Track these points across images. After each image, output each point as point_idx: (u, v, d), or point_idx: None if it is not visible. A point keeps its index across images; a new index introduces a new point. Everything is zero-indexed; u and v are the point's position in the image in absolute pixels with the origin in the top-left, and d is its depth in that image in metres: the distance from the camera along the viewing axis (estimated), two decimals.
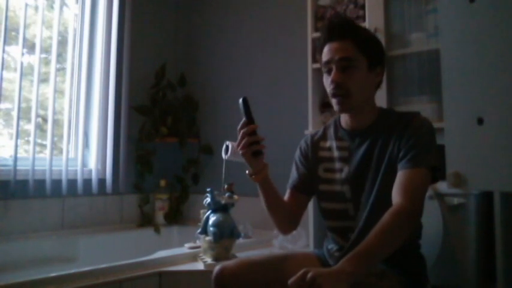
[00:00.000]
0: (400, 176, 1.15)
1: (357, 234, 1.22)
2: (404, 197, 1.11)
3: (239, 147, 1.23)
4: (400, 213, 1.08)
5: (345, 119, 1.32)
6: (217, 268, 1.26)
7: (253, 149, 1.23)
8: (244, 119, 1.24)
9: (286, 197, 1.39)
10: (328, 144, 1.36)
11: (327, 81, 1.25)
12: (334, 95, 1.24)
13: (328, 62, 1.24)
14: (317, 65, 2.05)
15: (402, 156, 1.17)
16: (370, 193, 1.23)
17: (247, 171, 1.29)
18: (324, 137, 1.39)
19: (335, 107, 1.26)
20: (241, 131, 1.22)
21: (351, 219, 1.26)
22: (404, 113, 1.28)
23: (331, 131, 1.37)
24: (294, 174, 1.42)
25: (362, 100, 1.25)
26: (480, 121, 0.59)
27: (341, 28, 1.24)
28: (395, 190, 1.14)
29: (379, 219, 1.18)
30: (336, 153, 1.32)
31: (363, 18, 1.93)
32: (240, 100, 1.26)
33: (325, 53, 1.25)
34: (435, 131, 1.21)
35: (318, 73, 2.09)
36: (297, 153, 1.43)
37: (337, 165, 1.31)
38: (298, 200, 1.39)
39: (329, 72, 1.24)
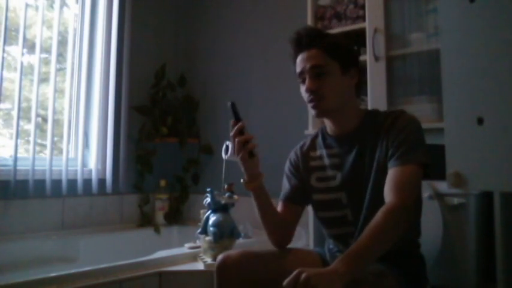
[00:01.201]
0: (390, 174, 1.15)
1: (356, 239, 1.22)
2: (395, 195, 1.10)
3: (235, 153, 1.25)
4: (391, 211, 1.07)
5: (329, 125, 1.33)
6: (220, 257, 1.26)
7: (248, 148, 1.24)
8: (232, 120, 1.26)
9: (278, 209, 1.38)
10: (318, 153, 1.36)
11: (303, 91, 1.27)
12: (309, 101, 1.26)
13: (301, 73, 1.26)
14: None
15: (391, 154, 1.17)
16: (368, 197, 1.23)
17: (242, 180, 1.30)
18: (312, 146, 1.39)
19: (312, 112, 1.28)
20: (231, 135, 1.25)
21: (351, 225, 1.26)
22: (390, 112, 1.29)
23: (319, 140, 1.37)
24: (286, 186, 1.41)
25: (338, 103, 1.26)
26: (480, 121, 0.59)
27: (307, 37, 1.26)
28: (386, 188, 1.14)
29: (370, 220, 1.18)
30: (327, 161, 1.32)
31: (363, 18, 1.93)
32: (228, 103, 1.27)
33: (298, 64, 1.27)
34: (422, 128, 1.21)
35: None
36: (287, 165, 1.43)
37: (330, 172, 1.31)
38: (292, 211, 1.38)
39: (304, 81, 1.26)
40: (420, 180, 1.17)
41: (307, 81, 1.24)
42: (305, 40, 1.25)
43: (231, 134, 1.25)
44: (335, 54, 1.23)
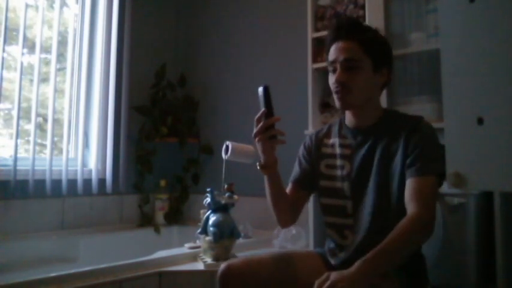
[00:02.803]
0: (411, 184, 1.16)
1: (362, 234, 1.24)
2: (419, 205, 1.12)
3: (256, 138, 1.23)
4: (417, 221, 1.10)
5: (349, 117, 1.34)
6: (222, 266, 1.26)
7: (272, 143, 1.23)
8: (263, 109, 1.22)
9: (287, 190, 1.41)
10: (331, 141, 1.38)
11: (332, 80, 1.27)
12: (336, 92, 1.26)
13: (333, 62, 1.26)
14: (317, 65, 2.05)
15: (410, 164, 1.18)
16: (371, 193, 1.24)
17: (257, 163, 1.30)
18: (328, 134, 1.41)
19: (336, 103, 1.28)
20: (260, 123, 1.21)
21: (349, 217, 1.28)
22: (409, 116, 1.29)
23: (335, 129, 1.39)
24: (296, 169, 1.44)
25: (363, 99, 1.26)
26: (480, 121, 0.59)
27: (348, 28, 1.25)
28: (408, 198, 1.15)
29: (380, 219, 1.19)
30: (338, 150, 1.34)
31: (363, 18, 1.93)
32: (260, 88, 1.23)
33: (332, 53, 1.26)
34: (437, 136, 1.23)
35: (318, 73, 2.09)
36: (301, 148, 1.45)
37: (339, 162, 1.33)
38: (299, 194, 1.41)
39: (334, 71, 1.26)
40: (438, 191, 1.19)
41: (337, 72, 1.24)
42: (345, 30, 1.25)
43: (257, 117, 1.23)
44: (371, 51, 1.23)
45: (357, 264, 1.02)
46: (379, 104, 1.33)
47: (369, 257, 1.03)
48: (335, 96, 1.27)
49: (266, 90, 1.23)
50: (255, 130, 1.23)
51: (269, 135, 1.22)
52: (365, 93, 1.25)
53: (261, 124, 1.22)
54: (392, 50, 1.33)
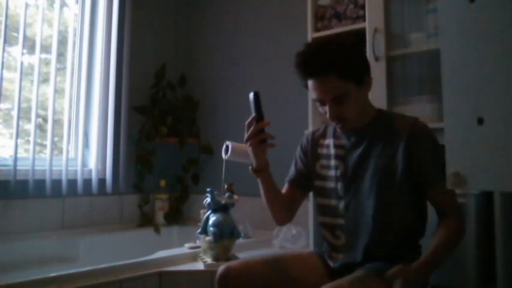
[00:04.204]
0: (435, 195, 1.21)
1: (366, 235, 1.24)
2: (453, 216, 1.20)
3: (247, 143, 1.26)
4: (455, 231, 1.19)
5: None
6: (221, 268, 1.27)
7: (262, 147, 1.26)
8: (254, 114, 1.26)
9: (283, 190, 1.43)
10: (327, 141, 1.39)
11: (323, 110, 1.26)
12: (334, 123, 1.28)
13: (319, 99, 1.24)
14: None
15: (424, 173, 1.20)
16: (370, 194, 1.23)
17: (250, 167, 1.32)
18: (324, 134, 1.41)
19: (337, 128, 1.30)
20: (251, 128, 1.24)
21: (341, 217, 1.29)
22: (403, 116, 1.29)
23: (331, 129, 1.40)
24: (292, 169, 1.45)
25: (359, 115, 1.27)
26: (480, 121, 0.59)
27: (317, 66, 1.20)
28: (439, 208, 1.22)
29: (382, 219, 1.20)
30: (332, 151, 1.35)
31: (363, 18, 1.93)
32: (251, 94, 1.26)
33: (312, 90, 1.24)
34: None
35: None
36: (298, 149, 1.46)
37: (333, 162, 1.33)
38: (295, 194, 1.43)
39: (322, 103, 1.25)
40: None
41: (328, 108, 1.22)
42: (316, 69, 1.20)
43: (247, 122, 1.26)
44: (349, 75, 1.19)
45: (418, 266, 1.10)
46: (370, 104, 1.32)
47: (425, 260, 1.12)
48: (335, 124, 1.29)
49: (256, 96, 1.27)
50: (246, 135, 1.25)
51: (259, 139, 1.25)
52: (360, 111, 1.26)
53: (251, 129, 1.24)
54: (363, 52, 1.30)
